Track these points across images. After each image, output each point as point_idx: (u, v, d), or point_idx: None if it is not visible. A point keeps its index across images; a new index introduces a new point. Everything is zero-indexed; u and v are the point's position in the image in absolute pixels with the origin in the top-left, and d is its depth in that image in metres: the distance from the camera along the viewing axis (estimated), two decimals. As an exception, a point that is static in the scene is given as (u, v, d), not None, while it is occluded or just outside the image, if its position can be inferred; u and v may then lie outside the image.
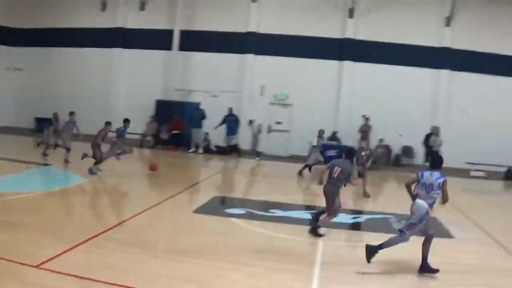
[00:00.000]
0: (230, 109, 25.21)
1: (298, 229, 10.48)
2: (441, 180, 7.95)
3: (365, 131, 24.92)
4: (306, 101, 26.20)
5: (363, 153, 16.49)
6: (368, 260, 7.94)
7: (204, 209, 11.99)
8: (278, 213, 12.06)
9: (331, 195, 10.05)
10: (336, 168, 10.13)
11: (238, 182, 19.22)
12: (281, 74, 26.54)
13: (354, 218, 12.40)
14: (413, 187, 8.24)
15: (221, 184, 17.40)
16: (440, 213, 13.49)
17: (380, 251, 7.97)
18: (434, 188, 7.92)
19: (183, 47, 27.47)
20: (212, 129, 24.83)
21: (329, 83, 26.48)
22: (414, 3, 26.41)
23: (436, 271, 7.97)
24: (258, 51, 26.90)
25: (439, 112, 26.22)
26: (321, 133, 20.45)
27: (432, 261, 8.35)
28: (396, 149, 26.28)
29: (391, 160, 26.17)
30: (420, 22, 26.38)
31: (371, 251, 7.94)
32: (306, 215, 11.92)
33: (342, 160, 10.67)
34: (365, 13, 26.63)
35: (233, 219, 10.99)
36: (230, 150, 24.88)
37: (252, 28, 27.00)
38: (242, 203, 13.21)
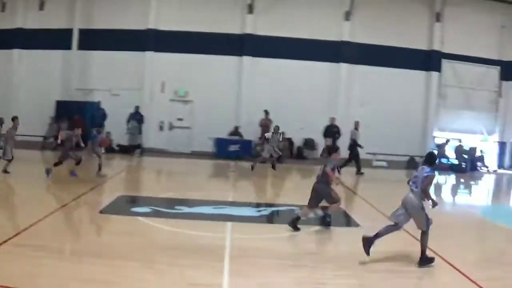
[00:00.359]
0: (136, 108, 26.00)
1: (204, 225, 10.78)
2: (425, 174, 8.49)
3: (266, 125, 25.89)
4: (207, 97, 27.14)
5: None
6: (367, 252, 8.39)
7: (110, 209, 12.04)
8: (184, 209, 12.26)
9: (324, 192, 10.80)
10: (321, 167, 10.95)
11: (142, 181, 19.69)
12: (181, 71, 27.35)
13: (259, 211, 12.86)
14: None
15: (125, 183, 17.59)
16: (346, 203, 14.44)
17: (376, 241, 8.47)
18: (420, 182, 8.48)
19: (83, 46, 27.81)
20: (114, 129, 25.29)
21: (229, 78, 27.49)
22: None
23: (432, 260, 8.56)
24: (158, 48, 27.51)
25: (339, 104, 27.91)
26: (276, 129, 21.18)
27: (340, 250, 9.42)
28: (298, 142, 26.95)
29: (293, 153, 26.56)
30: (320, 17, 27.78)
31: (368, 242, 8.40)
32: (212, 210, 12.33)
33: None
34: (265, 8, 27.76)
35: (140, 218, 11.11)
36: (134, 149, 25.58)
37: (151, 25, 27.58)
38: (147, 201, 13.31)
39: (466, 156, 27.86)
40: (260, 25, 27.58)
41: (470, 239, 11.72)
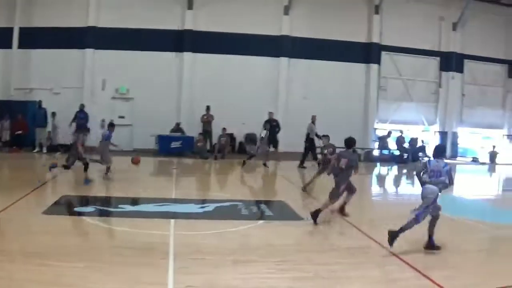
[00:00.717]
0: (81, 106, 26.59)
1: (148, 223, 10.91)
2: (447, 167, 9.34)
3: (207, 121, 27.36)
4: (148, 94, 28.05)
5: None
6: (391, 244, 9.05)
7: (54, 210, 11.92)
8: (128, 208, 12.39)
9: (342, 183, 11.68)
10: (342, 159, 11.70)
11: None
12: (122, 68, 28.08)
13: (202, 207, 13.01)
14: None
15: (68, 183, 17.38)
16: (289, 196, 15.24)
17: (400, 234, 9.09)
18: (442, 174, 9.25)
19: (23, 44, 28.20)
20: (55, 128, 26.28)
21: (170, 75, 28.61)
22: None
23: (438, 247, 9.37)
24: (98, 46, 28.24)
25: (280, 98, 29.49)
26: (266, 126, 23.18)
27: (284, 243, 9.76)
28: (240, 137, 27.66)
29: (235, 148, 27.49)
30: (260, 12, 29.28)
31: (393, 235, 9.06)
32: (155, 208, 12.51)
33: (346, 151, 12.10)
34: (205, 4, 28.97)
35: (84, 217, 11.15)
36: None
37: (91, 23, 28.24)
38: (91, 200, 13.41)
39: (407, 147, 28.88)
40: (200, 20, 28.71)
41: (414, 230, 12.45)
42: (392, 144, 29.70)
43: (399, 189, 21.71)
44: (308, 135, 24.10)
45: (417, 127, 31.72)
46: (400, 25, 30.40)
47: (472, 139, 34.08)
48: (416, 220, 9.27)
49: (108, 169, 17.34)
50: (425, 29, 31.35)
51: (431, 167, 9.42)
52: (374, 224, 12.07)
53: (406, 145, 29.53)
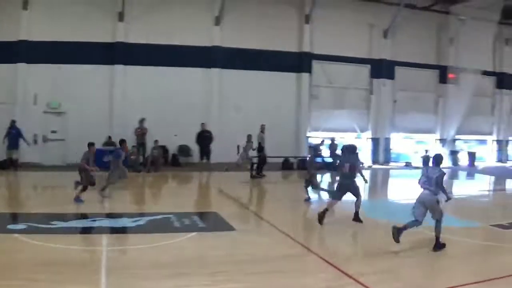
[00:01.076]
0: (12, 122, 27.23)
1: (81, 238, 11.60)
2: (437, 174, 10.93)
3: (141, 134, 28.69)
4: (80, 108, 28.75)
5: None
6: (397, 240, 10.79)
7: None
8: (60, 224, 12.80)
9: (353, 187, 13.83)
10: (346, 164, 13.75)
11: (17, 196, 20.18)
12: (54, 82, 28.33)
13: (135, 221, 13.53)
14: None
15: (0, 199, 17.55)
16: (222, 207, 16.21)
17: (404, 231, 10.74)
18: (432, 182, 10.89)
19: (-47, 60, 29.03)
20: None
21: (102, 88, 29.34)
22: (184, 4, 30.91)
23: (444, 245, 10.99)
24: (30, 60, 29.05)
25: (212, 109, 31.20)
26: (249, 137, 25.69)
27: (217, 255, 10.47)
28: (172, 149, 29.24)
29: (169, 160, 28.94)
30: (191, 23, 30.87)
31: (398, 232, 10.76)
32: (88, 223, 13.23)
33: (348, 156, 14.25)
34: (136, 16, 30.24)
35: (15, 235, 11.39)
36: (10, 164, 26.72)
37: (23, 36, 29.07)
38: (23, 217, 13.73)
39: (340, 154, 30.73)
40: (131, 32, 29.92)
41: (343, 234, 13.20)
42: (325, 152, 31.63)
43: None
44: (259, 144, 26.54)
45: (349, 134, 33.89)
46: (331, 34, 32.64)
47: (405, 144, 36.44)
48: (417, 222, 11.01)
49: (104, 186, 17.90)
50: (356, 37, 33.78)
51: (427, 174, 11.13)
52: (309, 231, 13.36)
53: (338, 152, 31.41)
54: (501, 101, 39.80)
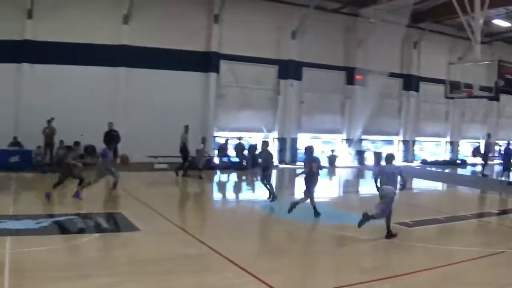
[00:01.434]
0: None
1: None
2: (398, 170, 12.78)
3: (49, 134, 29.75)
4: None
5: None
6: (359, 226, 12.27)
7: None
8: None
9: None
10: (313, 164, 15.76)
11: None
12: None
13: (39, 223, 13.70)
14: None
15: None
16: (127, 208, 16.78)
17: (371, 220, 12.22)
18: (395, 176, 12.51)
19: None
20: None
21: (6, 87, 29.70)
22: (93, 3, 32.25)
23: (395, 235, 12.53)
24: None
25: (118, 109, 32.50)
26: (204, 140, 28.02)
27: (121, 255, 10.83)
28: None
29: (75, 160, 30.31)
30: (99, 21, 32.25)
31: (365, 218, 12.24)
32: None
33: (313, 157, 16.36)
34: (44, 13, 31.05)
35: None
36: None
37: None
38: None
39: (246, 154, 33.13)
40: (40, 30, 30.75)
41: (250, 234, 13.91)
42: (231, 151, 33.89)
43: (239, 196, 24.41)
44: (184, 144, 28.25)
45: (256, 134, 36.16)
46: (240, 34, 34.87)
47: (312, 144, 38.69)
48: (383, 212, 12.41)
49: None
50: (264, 38, 36.08)
51: (386, 171, 12.66)
52: (214, 231, 14.08)
53: (245, 152, 33.73)
54: (408, 103, 43.47)
